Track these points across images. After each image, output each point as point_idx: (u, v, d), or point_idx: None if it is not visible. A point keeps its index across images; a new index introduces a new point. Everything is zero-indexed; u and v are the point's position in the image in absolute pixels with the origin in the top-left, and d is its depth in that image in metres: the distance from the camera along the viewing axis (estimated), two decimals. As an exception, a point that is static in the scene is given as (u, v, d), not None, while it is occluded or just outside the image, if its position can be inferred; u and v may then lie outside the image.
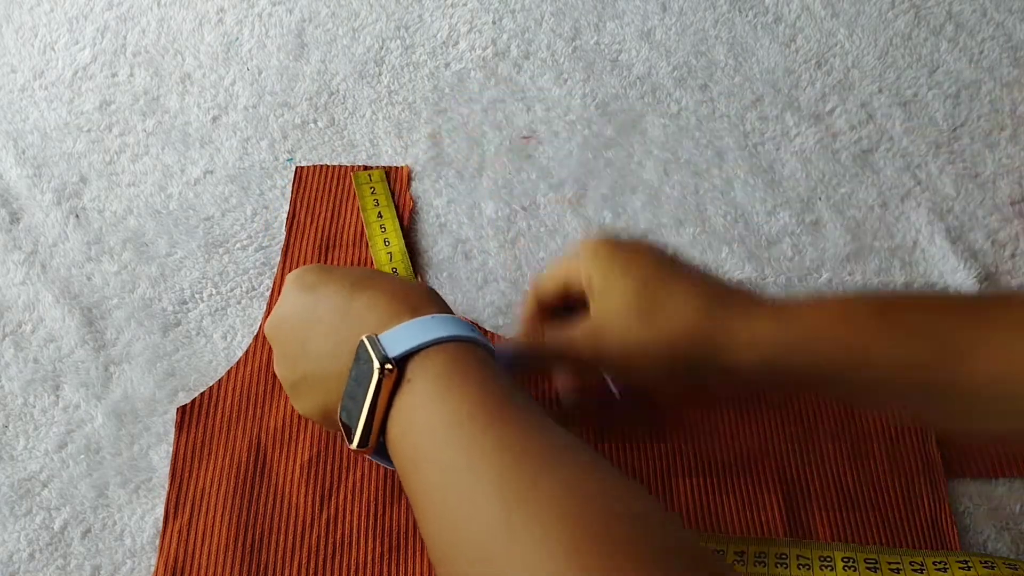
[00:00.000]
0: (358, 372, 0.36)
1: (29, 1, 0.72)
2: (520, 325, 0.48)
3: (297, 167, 0.63)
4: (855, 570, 0.46)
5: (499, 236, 0.61)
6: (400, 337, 0.36)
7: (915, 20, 0.77)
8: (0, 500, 0.48)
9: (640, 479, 0.50)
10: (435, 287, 0.58)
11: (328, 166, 0.63)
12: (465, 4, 0.75)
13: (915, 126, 0.70)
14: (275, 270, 0.58)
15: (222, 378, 0.52)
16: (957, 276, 0.60)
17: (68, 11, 0.72)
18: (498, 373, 0.36)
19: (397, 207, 0.61)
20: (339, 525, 0.47)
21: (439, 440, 0.33)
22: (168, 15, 0.72)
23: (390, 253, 0.58)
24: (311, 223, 0.60)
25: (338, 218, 0.60)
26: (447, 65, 0.71)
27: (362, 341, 0.36)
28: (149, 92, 0.67)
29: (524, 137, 0.67)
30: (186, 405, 0.51)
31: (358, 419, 0.36)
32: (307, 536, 0.47)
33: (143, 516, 0.48)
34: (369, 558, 0.46)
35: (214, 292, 0.57)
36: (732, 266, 0.60)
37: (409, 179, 0.63)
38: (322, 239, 0.59)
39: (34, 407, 0.51)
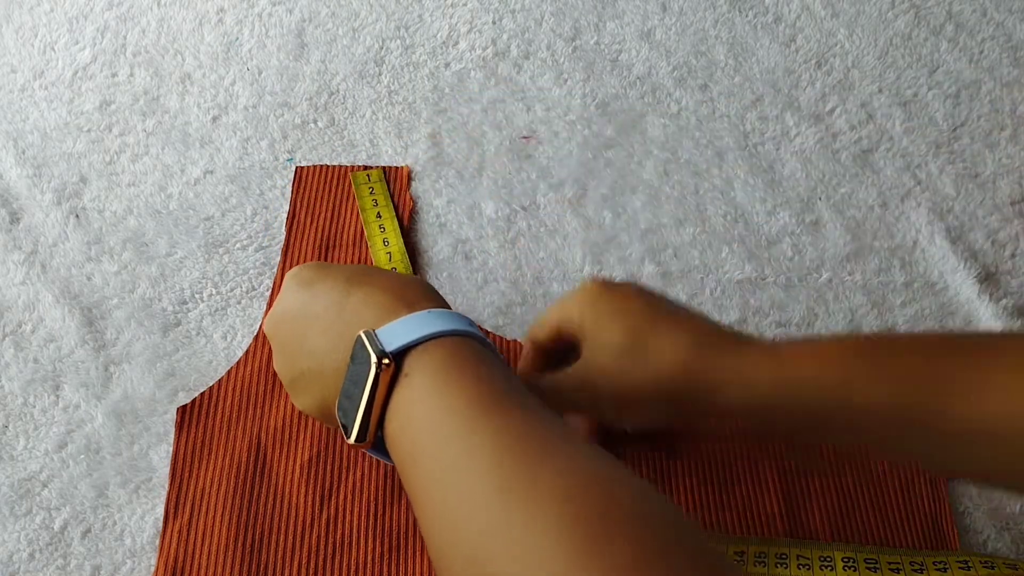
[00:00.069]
0: (355, 367, 0.36)
1: (29, 1, 0.72)
2: (518, 370, 0.48)
3: (297, 167, 0.63)
4: (855, 570, 0.46)
5: (499, 236, 0.61)
6: (397, 332, 0.36)
7: (915, 20, 0.77)
8: (0, 500, 0.48)
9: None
10: (435, 287, 0.58)
11: (328, 166, 0.63)
12: (465, 4, 0.75)
13: (915, 126, 0.70)
14: (275, 270, 0.58)
15: (222, 378, 0.52)
16: (957, 276, 0.61)
17: (68, 11, 0.72)
18: (496, 366, 0.36)
19: (397, 207, 0.61)
20: (339, 525, 0.47)
21: (437, 432, 0.33)
22: (168, 15, 0.72)
23: (389, 253, 0.58)
24: (311, 223, 0.60)
25: (338, 218, 0.60)
26: (447, 65, 0.71)
27: (359, 336, 0.36)
28: (149, 92, 0.67)
29: (524, 137, 0.67)
30: (186, 405, 0.51)
31: (356, 414, 0.36)
32: (307, 536, 0.47)
33: (143, 516, 0.48)
34: (369, 558, 0.46)
35: (214, 292, 0.57)
36: (732, 266, 0.60)
37: (409, 179, 0.63)
38: (322, 239, 0.59)
39: (34, 407, 0.51)
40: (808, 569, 0.46)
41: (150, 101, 0.67)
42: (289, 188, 0.62)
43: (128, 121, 0.65)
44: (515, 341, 0.55)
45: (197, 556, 0.46)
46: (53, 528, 0.47)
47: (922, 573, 0.46)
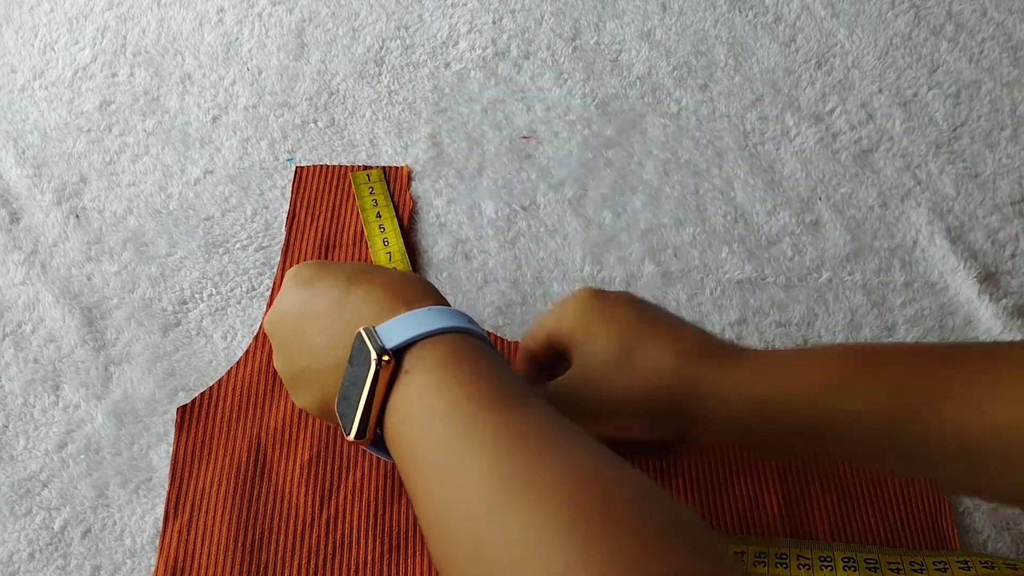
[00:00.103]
0: (355, 364, 0.36)
1: (29, 1, 0.72)
2: None
3: (297, 167, 0.63)
4: (855, 570, 0.46)
5: (499, 236, 0.61)
6: (397, 329, 0.36)
7: (915, 20, 0.77)
8: (0, 500, 0.48)
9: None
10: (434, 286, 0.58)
11: (328, 166, 0.63)
12: (465, 4, 0.75)
13: (915, 126, 0.70)
14: (275, 270, 0.58)
15: (222, 378, 0.52)
16: (957, 276, 0.61)
17: (68, 11, 0.72)
18: (496, 363, 0.36)
19: (397, 207, 0.61)
20: (339, 525, 0.47)
21: (437, 428, 0.33)
22: (168, 15, 0.72)
23: (389, 253, 0.58)
24: (311, 223, 0.60)
25: (338, 218, 0.60)
26: (447, 65, 0.71)
27: (359, 333, 0.36)
28: (149, 92, 0.67)
29: (524, 137, 0.67)
30: (186, 405, 0.51)
31: (356, 410, 0.36)
32: (307, 536, 0.47)
33: (143, 516, 0.48)
34: (369, 558, 0.46)
35: (214, 292, 0.57)
36: (732, 266, 0.60)
37: (409, 179, 0.63)
38: (322, 239, 0.59)
39: (34, 407, 0.51)
40: (808, 569, 0.46)
41: (150, 101, 0.67)
42: (289, 188, 0.62)
43: (128, 121, 0.65)
44: (515, 341, 0.55)
45: (197, 556, 0.46)
46: (53, 528, 0.47)
47: (922, 573, 0.46)
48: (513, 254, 0.60)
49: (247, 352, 0.53)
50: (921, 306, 0.59)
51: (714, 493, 0.50)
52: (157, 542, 0.47)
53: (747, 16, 0.76)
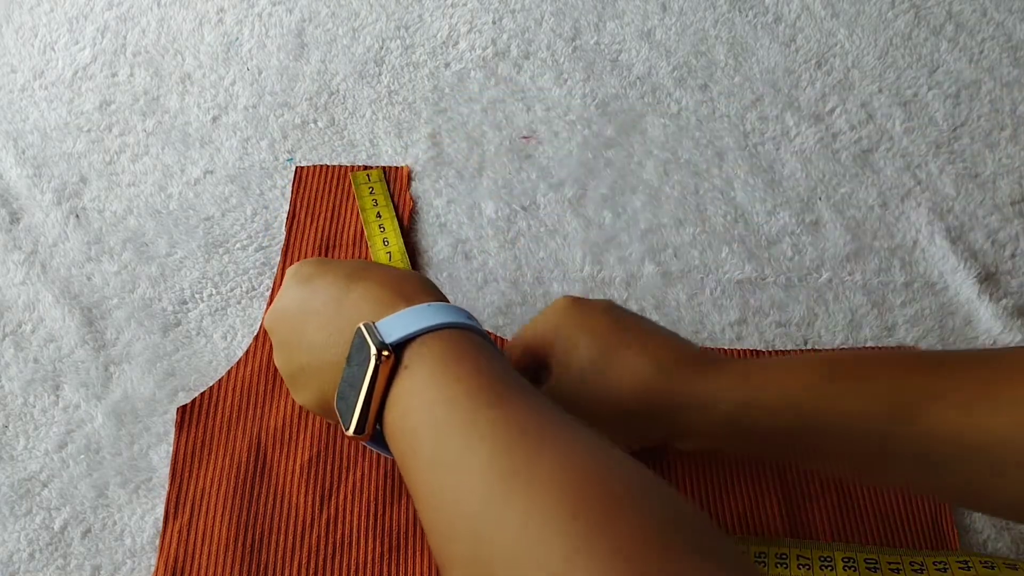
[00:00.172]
0: (355, 359, 0.36)
1: (29, 1, 0.72)
2: None
3: (297, 167, 0.63)
4: (855, 570, 0.46)
5: (499, 236, 0.61)
6: (396, 325, 0.36)
7: (915, 20, 0.77)
8: (0, 500, 0.48)
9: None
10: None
11: (328, 166, 0.63)
12: (465, 4, 0.75)
13: (915, 126, 0.70)
14: (275, 270, 0.58)
15: (222, 378, 0.52)
16: (957, 276, 0.60)
17: (68, 11, 0.72)
18: (495, 358, 0.36)
19: (397, 207, 0.61)
20: (339, 525, 0.47)
21: (437, 421, 0.33)
22: (168, 15, 0.72)
23: (389, 253, 0.58)
24: (311, 223, 0.60)
25: (338, 218, 0.60)
26: (447, 65, 0.71)
27: (359, 328, 0.36)
28: (149, 92, 0.67)
29: (524, 137, 0.67)
30: (186, 405, 0.51)
31: (355, 405, 0.36)
32: (307, 536, 0.47)
33: (143, 516, 0.48)
34: (369, 558, 0.46)
35: (214, 292, 0.57)
36: (732, 266, 0.60)
37: (409, 179, 0.63)
38: (322, 239, 0.59)
39: (34, 407, 0.51)
40: (808, 569, 0.46)
41: (150, 101, 0.67)
42: (289, 188, 0.62)
43: (128, 121, 0.65)
44: (515, 341, 0.55)
45: (197, 556, 0.46)
46: (53, 528, 0.47)
47: (922, 573, 0.46)
48: (513, 254, 0.60)
49: (247, 352, 0.53)
50: (921, 306, 0.59)
51: (714, 493, 0.50)
52: (157, 542, 0.47)
53: (747, 16, 0.76)
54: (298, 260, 0.58)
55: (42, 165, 0.62)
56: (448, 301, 0.39)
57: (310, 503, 0.48)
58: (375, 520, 0.47)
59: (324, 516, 0.47)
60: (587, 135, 0.67)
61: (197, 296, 0.56)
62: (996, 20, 0.77)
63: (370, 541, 0.47)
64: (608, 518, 0.27)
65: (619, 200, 0.64)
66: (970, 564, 0.46)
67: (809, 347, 0.57)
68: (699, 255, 0.61)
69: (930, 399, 0.37)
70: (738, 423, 0.41)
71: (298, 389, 0.43)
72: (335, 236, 0.59)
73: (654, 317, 0.58)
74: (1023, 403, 0.35)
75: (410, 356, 0.36)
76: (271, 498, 0.48)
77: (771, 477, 0.50)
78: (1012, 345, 0.57)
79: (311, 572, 0.46)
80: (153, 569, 0.46)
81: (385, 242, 0.58)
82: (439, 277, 0.59)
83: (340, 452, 0.49)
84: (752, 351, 0.56)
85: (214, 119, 0.66)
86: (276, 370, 0.51)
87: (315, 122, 0.66)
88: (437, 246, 0.60)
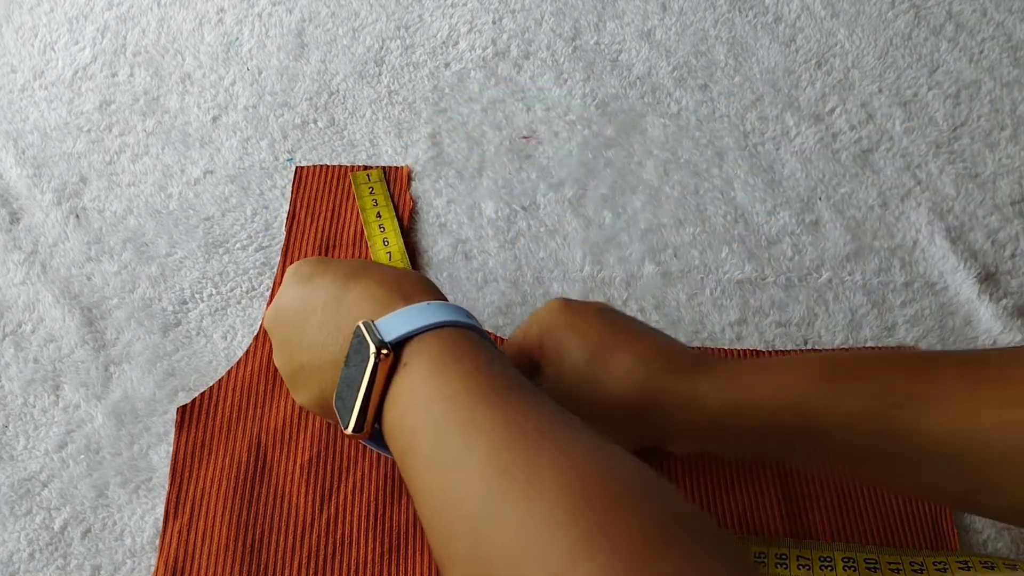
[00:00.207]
0: (354, 358, 0.36)
1: (29, 1, 0.72)
2: None
3: (297, 167, 0.63)
4: (855, 570, 0.46)
5: (499, 236, 0.61)
6: (395, 323, 0.36)
7: (915, 20, 0.77)
8: (0, 500, 0.48)
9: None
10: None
11: (328, 166, 0.63)
12: (465, 4, 0.75)
13: (915, 126, 0.70)
14: (275, 270, 0.58)
15: (222, 378, 0.52)
16: (957, 276, 0.61)
17: (68, 11, 0.72)
18: (494, 356, 0.36)
19: (397, 207, 0.61)
20: (339, 525, 0.47)
21: (436, 419, 0.33)
22: (168, 15, 0.72)
23: (389, 253, 0.58)
24: (311, 223, 0.60)
25: (338, 218, 0.60)
26: (447, 65, 0.71)
27: (358, 327, 0.36)
28: (149, 92, 0.67)
29: (524, 137, 0.67)
30: (186, 405, 0.51)
31: (354, 404, 0.36)
32: (307, 536, 0.47)
33: (143, 516, 0.48)
34: (369, 558, 0.46)
35: (214, 292, 0.57)
36: (732, 266, 0.60)
37: (409, 179, 0.63)
38: (322, 239, 0.59)
39: (34, 407, 0.51)
40: (808, 569, 0.46)
41: (150, 101, 0.67)
42: (289, 188, 0.62)
43: (128, 121, 0.65)
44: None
45: (197, 556, 0.46)
46: (53, 528, 0.47)
47: (922, 574, 0.46)
48: (513, 254, 0.60)
49: (247, 352, 0.53)
50: (921, 306, 0.59)
51: (714, 493, 0.50)
52: (157, 542, 0.47)
53: (747, 16, 0.76)
54: (298, 260, 0.58)
55: (42, 165, 0.62)
56: (447, 300, 0.39)
57: (310, 503, 0.48)
58: (375, 520, 0.47)
59: (324, 516, 0.47)
60: (587, 135, 0.67)
61: (197, 296, 0.56)
62: (996, 20, 0.77)
63: (370, 541, 0.47)
64: (609, 516, 0.27)
65: (619, 200, 0.64)
66: (970, 564, 0.46)
67: (809, 347, 0.57)
68: (699, 255, 0.61)
69: (920, 400, 0.37)
70: (728, 423, 0.40)
71: (298, 388, 0.43)
72: (335, 236, 0.59)
73: (654, 317, 0.58)
74: (1008, 405, 0.35)
75: (409, 354, 0.36)
76: (271, 498, 0.48)
77: (771, 477, 0.50)
78: (1012, 345, 0.57)
79: (311, 572, 0.46)
80: (153, 569, 0.46)
81: (385, 242, 0.58)
82: (439, 277, 0.59)
83: (340, 452, 0.49)
84: (752, 351, 0.56)
85: (214, 119, 0.66)
86: (276, 370, 0.51)
87: (315, 122, 0.66)
88: (437, 246, 0.60)
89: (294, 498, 0.48)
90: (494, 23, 0.74)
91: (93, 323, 0.55)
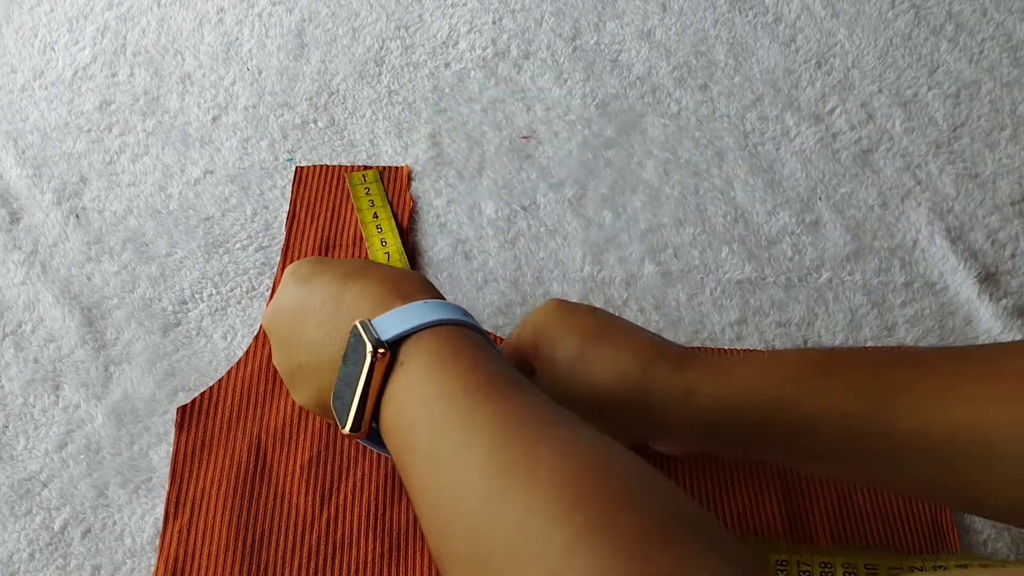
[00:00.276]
0: (351, 357, 0.36)
1: (29, 1, 0.72)
2: None
3: (297, 167, 0.63)
4: None
5: (499, 236, 0.61)
6: (392, 322, 0.36)
7: (915, 20, 0.77)
8: (0, 500, 0.48)
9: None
10: (434, 285, 0.58)
11: (328, 166, 0.63)
12: (465, 4, 0.75)
13: (915, 126, 0.70)
14: (275, 270, 0.58)
15: (222, 378, 0.52)
16: (957, 276, 0.60)
17: (68, 11, 0.72)
18: (491, 354, 0.36)
19: (395, 207, 0.61)
20: (339, 525, 0.47)
21: (434, 417, 0.33)
22: (168, 15, 0.72)
23: (387, 253, 0.58)
24: (311, 223, 0.60)
25: (338, 218, 0.60)
26: (447, 65, 0.71)
27: (355, 326, 0.36)
28: (149, 92, 0.67)
29: (524, 137, 0.67)
30: (186, 405, 0.51)
31: (351, 403, 0.36)
32: (307, 536, 0.47)
33: (143, 516, 0.48)
34: (369, 558, 0.46)
35: (214, 292, 0.57)
36: (732, 266, 0.60)
37: (409, 179, 0.63)
38: (322, 239, 0.59)
39: (34, 407, 0.51)
40: (808, 575, 0.46)
41: (150, 101, 0.67)
42: (289, 188, 0.62)
43: (128, 121, 0.65)
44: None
45: (197, 556, 0.46)
46: (53, 528, 0.47)
47: None
48: (513, 254, 0.60)
49: (247, 352, 0.53)
50: (921, 306, 0.59)
51: (714, 493, 0.50)
52: (157, 542, 0.47)
53: (747, 16, 0.76)
54: (298, 260, 0.58)
55: (42, 165, 0.62)
56: (444, 299, 0.39)
57: (310, 503, 0.48)
58: (375, 520, 0.47)
59: (324, 516, 0.47)
60: (587, 135, 0.67)
61: (197, 296, 0.56)
62: (996, 20, 0.77)
63: (370, 541, 0.47)
64: (608, 513, 0.27)
65: (619, 200, 0.64)
66: (969, 567, 0.46)
67: (809, 347, 0.57)
68: (699, 255, 0.61)
69: (898, 394, 0.37)
70: (714, 418, 0.41)
71: (297, 388, 0.43)
72: (335, 236, 0.59)
73: (654, 317, 0.58)
74: (976, 400, 0.35)
75: (406, 353, 0.35)
76: (271, 498, 0.48)
77: (771, 477, 0.51)
78: (1012, 345, 0.57)
79: (311, 572, 0.46)
80: (153, 569, 0.46)
81: (383, 243, 0.58)
82: (439, 277, 0.59)
83: (340, 452, 0.49)
84: (751, 351, 0.56)
85: (214, 119, 0.66)
86: (276, 370, 0.51)
87: (315, 122, 0.66)
88: (437, 246, 0.60)
89: (294, 498, 0.48)
90: (494, 23, 0.74)
91: (93, 323, 0.55)
